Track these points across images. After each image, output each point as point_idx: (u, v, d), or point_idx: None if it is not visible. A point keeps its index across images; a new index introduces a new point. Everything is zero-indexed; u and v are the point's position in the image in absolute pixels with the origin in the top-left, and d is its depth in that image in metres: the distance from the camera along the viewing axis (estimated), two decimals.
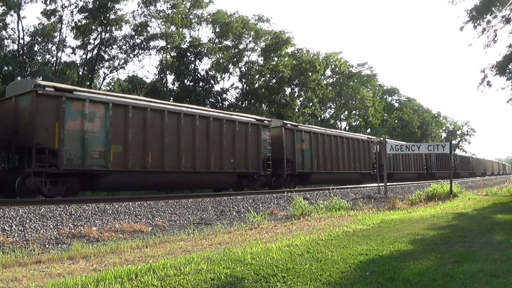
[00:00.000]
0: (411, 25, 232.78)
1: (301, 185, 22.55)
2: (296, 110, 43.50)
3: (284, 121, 22.20)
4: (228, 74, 40.95)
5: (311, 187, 22.44)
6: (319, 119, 50.14)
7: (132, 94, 31.13)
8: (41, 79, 25.90)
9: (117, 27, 33.14)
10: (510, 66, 20.07)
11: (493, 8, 19.21)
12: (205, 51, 37.76)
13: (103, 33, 32.97)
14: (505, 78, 20.56)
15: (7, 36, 28.72)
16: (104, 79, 37.31)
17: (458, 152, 60.49)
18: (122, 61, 34.71)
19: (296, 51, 43.23)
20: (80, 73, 33.60)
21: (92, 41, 33.18)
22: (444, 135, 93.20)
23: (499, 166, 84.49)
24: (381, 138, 27.88)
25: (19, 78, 24.13)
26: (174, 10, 35.91)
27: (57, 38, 31.31)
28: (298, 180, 22.08)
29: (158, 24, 35.96)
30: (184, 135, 15.79)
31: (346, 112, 56.15)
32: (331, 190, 17.91)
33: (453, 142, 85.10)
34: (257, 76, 42.00)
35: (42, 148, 12.11)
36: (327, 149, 23.93)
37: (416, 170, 35.31)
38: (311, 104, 46.01)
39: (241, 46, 40.62)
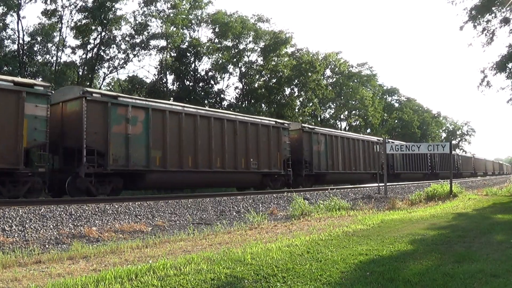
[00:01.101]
0: (411, 25, 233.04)
1: (317, 185, 23.54)
2: (296, 110, 43.50)
3: (303, 124, 23.65)
4: (228, 74, 41.00)
5: (312, 188, 22.61)
6: (319, 119, 50.15)
7: (132, 94, 31.15)
8: (40, 79, 25.92)
9: (117, 26, 33.16)
10: (509, 65, 20.07)
11: (493, 8, 19.22)
12: (204, 51, 37.78)
13: (103, 33, 33.00)
14: (504, 77, 20.57)
15: (7, 36, 28.75)
16: (104, 79, 37.38)
17: (460, 152, 60.43)
18: (122, 61, 34.77)
19: (295, 51, 43.28)
20: (80, 73, 33.61)
21: (92, 41, 33.22)
22: (444, 135, 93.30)
23: (500, 166, 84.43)
24: (389, 140, 28.61)
25: (19, 78, 24.20)
26: (174, 10, 35.93)
27: (57, 38, 31.36)
28: (314, 180, 23.26)
29: (158, 24, 36.03)
30: (214, 138, 16.97)
31: (346, 112, 56.19)
32: (330, 190, 17.91)
33: (453, 142, 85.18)
34: (257, 76, 42.02)
35: (91, 150, 13.19)
36: (341, 151, 25.21)
37: (421, 170, 36.47)
38: (311, 104, 46.02)
39: (241, 46, 40.64)
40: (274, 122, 20.46)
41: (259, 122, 19.48)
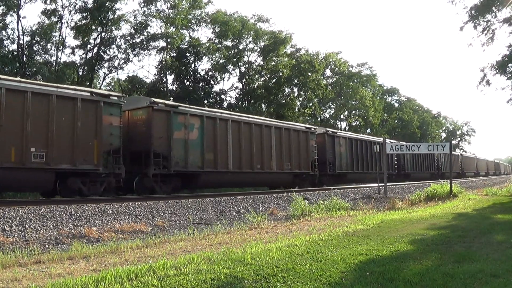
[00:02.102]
0: (411, 25, 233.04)
1: (340, 184, 24.54)
2: (296, 110, 43.53)
3: (327, 129, 25.89)
4: (228, 74, 41.01)
5: (314, 188, 22.77)
6: (319, 119, 50.16)
7: (132, 94, 31.14)
8: (40, 79, 25.92)
9: (117, 26, 33.17)
10: (510, 66, 20.07)
11: (493, 8, 19.21)
12: (204, 51, 37.79)
13: (102, 33, 33.00)
14: (505, 78, 20.56)
15: (6, 36, 28.73)
16: (104, 79, 37.38)
17: (462, 153, 60.32)
18: (122, 61, 34.77)
19: (295, 51, 43.28)
20: (80, 73, 33.62)
21: (91, 41, 33.22)
22: (444, 135, 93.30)
23: (500, 167, 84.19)
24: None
25: (19, 78, 24.19)
26: (174, 10, 35.94)
27: (57, 38, 31.35)
28: (336, 179, 25.04)
29: (158, 24, 36.07)
30: (255, 142, 18.86)
31: (346, 112, 56.20)
32: (331, 190, 17.95)
33: (453, 142, 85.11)
34: (256, 76, 42.02)
35: (158, 153, 14.87)
36: (359, 153, 27.59)
37: (429, 170, 38.82)
38: (310, 104, 46.02)
39: (240, 46, 40.64)
40: (304, 127, 22.82)
41: (291, 127, 21.63)
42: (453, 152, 19.96)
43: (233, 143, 17.69)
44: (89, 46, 33.19)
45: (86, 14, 31.51)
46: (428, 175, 37.87)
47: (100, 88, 34.05)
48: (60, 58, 32.11)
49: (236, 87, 41.56)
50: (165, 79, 37.19)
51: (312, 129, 23.34)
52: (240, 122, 18.40)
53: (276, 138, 20.12)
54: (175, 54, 36.85)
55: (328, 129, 26.09)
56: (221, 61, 39.80)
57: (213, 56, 39.44)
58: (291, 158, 20.85)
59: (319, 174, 23.14)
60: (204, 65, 46.28)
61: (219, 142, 17.08)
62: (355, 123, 56.36)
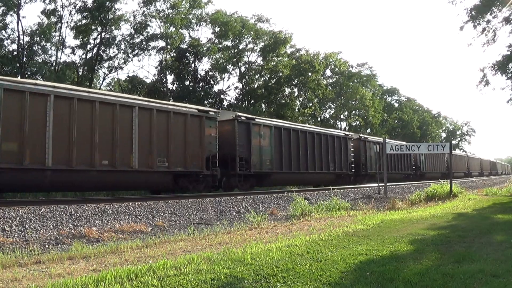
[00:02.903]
0: (411, 25, 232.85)
1: (372, 182, 26.90)
2: (296, 110, 43.53)
3: (360, 135, 29.01)
4: (228, 74, 41.00)
5: (314, 188, 22.95)
6: (319, 119, 50.17)
7: (132, 94, 31.13)
8: (40, 79, 25.93)
9: (117, 26, 33.16)
10: (510, 66, 20.07)
11: (493, 8, 19.22)
12: (204, 51, 37.79)
13: (102, 33, 33.00)
14: (505, 77, 20.57)
15: (6, 36, 28.73)
16: (104, 79, 37.37)
17: (470, 154, 60.19)
18: (122, 61, 34.76)
19: (295, 51, 43.28)
20: (80, 73, 33.61)
21: (91, 41, 33.22)
22: (444, 135, 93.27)
23: (497, 166, 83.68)
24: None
25: (19, 78, 24.21)
26: (174, 10, 35.93)
27: (57, 38, 31.35)
28: (368, 178, 28.27)
29: (158, 24, 36.04)
30: (304, 147, 22.21)
31: (346, 112, 56.20)
32: (331, 190, 17.96)
33: (453, 142, 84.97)
34: (256, 76, 42.03)
35: (241, 158, 18.20)
36: (393, 157, 31.17)
37: (440, 170, 42.17)
38: (310, 104, 46.03)
39: (240, 46, 40.64)
40: (343, 134, 26.52)
41: (329, 133, 25.00)
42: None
43: (292, 148, 21.23)
44: (89, 46, 33.18)
45: (86, 14, 31.50)
46: (439, 175, 40.66)
47: (100, 88, 34.08)
48: (60, 58, 32.13)
49: (236, 87, 41.59)
50: (165, 79, 37.20)
51: (349, 135, 26.84)
52: (297, 130, 22.27)
53: (319, 144, 23.83)
54: (175, 54, 36.85)
55: (360, 135, 29.15)
56: (221, 61, 39.80)
57: (213, 56, 39.45)
58: (335, 160, 24.70)
59: (355, 173, 27.05)
60: (204, 65, 46.24)
61: (284, 148, 20.67)
62: (355, 123, 56.36)
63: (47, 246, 7.37)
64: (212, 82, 38.74)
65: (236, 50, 40.28)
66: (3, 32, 28.24)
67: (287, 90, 43.15)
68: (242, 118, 18.76)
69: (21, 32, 29.16)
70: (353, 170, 26.24)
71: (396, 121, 70.11)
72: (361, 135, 29.44)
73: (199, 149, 16.28)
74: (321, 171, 23.36)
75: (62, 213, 9.39)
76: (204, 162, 16.40)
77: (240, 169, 18.10)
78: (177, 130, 15.54)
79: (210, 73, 39.21)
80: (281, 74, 40.81)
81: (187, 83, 37.60)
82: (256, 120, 19.61)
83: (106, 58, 33.98)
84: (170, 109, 15.47)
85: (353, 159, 26.43)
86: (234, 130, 18.23)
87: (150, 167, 14.58)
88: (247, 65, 41.38)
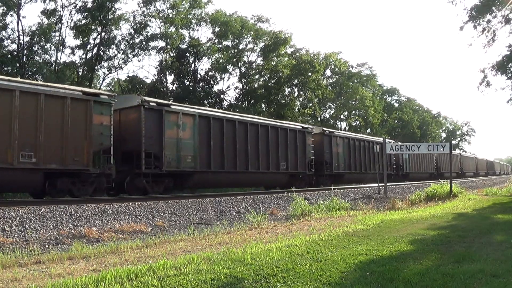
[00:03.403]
0: (411, 25, 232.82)
1: (339, 183, 25.64)
2: (296, 110, 43.53)
3: (323, 128, 27.14)
4: (228, 74, 41.00)
5: (314, 188, 22.84)
6: (319, 119, 50.17)
7: (132, 94, 31.11)
8: (40, 79, 25.94)
9: (116, 26, 33.16)
10: (510, 66, 20.08)
11: (493, 8, 19.22)
12: (204, 51, 37.78)
13: (102, 33, 33.00)
14: (505, 77, 20.57)
15: (6, 36, 28.73)
16: (104, 79, 37.36)
17: (464, 153, 60.02)
18: (122, 61, 34.76)
19: (295, 51, 43.28)
20: (80, 73, 33.62)
21: (91, 41, 33.22)
22: (444, 135, 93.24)
23: (495, 166, 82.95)
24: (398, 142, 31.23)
25: (19, 78, 24.33)
26: (174, 10, 35.93)
27: (57, 38, 31.36)
28: (334, 179, 26.91)
29: (158, 24, 36.04)
30: (244, 141, 19.71)
31: (346, 112, 56.20)
32: (331, 190, 17.97)
33: (453, 142, 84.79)
34: (256, 76, 42.03)
35: (149, 153, 15.44)
36: (417, 157, 34.47)
37: (428, 170, 41.85)
38: (310, 104, 46.03)
39: (240, 46, 40.64)
40: (300, 127, 24.12)
41: (285, 127, 22.29)
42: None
43: (226, 142, 18.07)
44: (89, 46, 33.19)
45: (86, 14, 31.51)
46: (454, 175, 43.09)
47: (99, 89, 34.05)
48: (60, 58, 32.14)
49: (236, 87, 41.60)
50: (165, 79, 37.21)
51: (380, 141, 25.94)
52: (354, 139, 25.68)
53: (365, 149, 26.97)
54: (174, 54, 36.84)
55: (391, 140, 28.76)
56: (221, 61, 39.80)
57: (213, 56, 39.45)
58: (374, 162, 26.45)
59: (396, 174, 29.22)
60: (204, 65, 46.27)
61: (212, 141, 17.34)
62: (355, 123, 56.36)
63: (47, 246, 7.37)
64: (212, 82, 38.76)
65: (236, 50, 40.28)
66: (3, 32, 28.26)
67: (287, 90, 43.19)
68: (152, 104, 15.23)
69: (21, 32, 29.18)
70: (313, 170, 22.44)
71: (396, 121, 70.11)
72: (325, 128, 25.97)
73: (84, 141, 12.93)
74: (268, 171, 19.60)
75: (62, 213, 9.39)
76: (91, 158, 13.13)
77: (146, 167, 14.61)
78: (51, 117, 12.36)
79: (210, 73, 39.23)
80: (281, 74, 40.81)
81: (187, 83, 37.60)
82: (172, 107, 16.01)
83: (106, 58, 33.99)
84: (40, 91, 12.29)
85: (313, 157, 22.55)
86: (139, 119, 14.72)
87: (8, 162, 11.44)
88: (247, 65, 41.40)
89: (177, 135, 15.68)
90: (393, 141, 33.70)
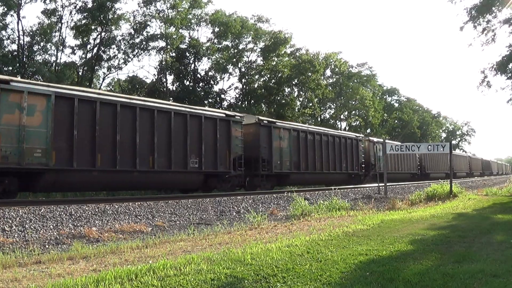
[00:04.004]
0: (411, 25, 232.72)
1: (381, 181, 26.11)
2: (296, 110, 43.52)
3: (369, 137, 30.47)
4: (228, 74, 41.01)
5: (314, 188, 22.95)
6: (319, 119, 50.18)
7: (132, 94, 31.14)
8: (40, 79, 25.93)
9: (117, 26, 33.18)
10: (510, 66, 20.09)
11: (493, 8, 19.23)
12: (204, 51, 37.78)
13: (102, 33, 33.01)
14: (505, 77, 20.59)
15: (6, 36, 28.75)
16: (104, 79, 37.37)
17: (456, 152, 60.29)
18: (122, 61, 34.77)
19: (295, 51, 43.28)
20: (80, 73, 33.62)
21: (91, 41, 33.24)
22: (444, 135, 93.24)
23: (492, 166, 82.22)
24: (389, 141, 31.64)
25: (19, 78, 24.35)
26: (174, 10, 35.94)
27: (57, 38, 31.37)
28: (377, 178, 28.80)
29: (158, 25, 36.06)
30: (319, 148, 23.47)
31: (346, 112, 56.21)
32: (332, 190, 18.00)
33: (453, 142, 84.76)
34: (256, 76, 42.03)
35: (264, 159, 19.36)
36: (398, 157, 32.46)
37: (465, 170, 46.89)
38: (310, 104, 46.03)
39: (240, 46, 40.64)
40: (354, 136, 27.44)
41: (344, 136, 26.39)
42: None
43: (309, 150, 22.27)
44: (89, 46, 33.21)
45: (86, 14, 31.52)
46: (464, 174, 46.30)
47: (99, 88, 34.07)
48: (60, 58, 32.16)
49: (236, 87, 41.60)
50: (165, 79, 37.21)
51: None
52: (313, 133, 23.16)
53: (335, 145, 25.19)
54: (174, 54, 36.84)
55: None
56: (221, 61, 39.80)
57: (213, 56, 39.45)
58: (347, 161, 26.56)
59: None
60: (204, 65, 46.31)
61: (300, 149, 21.81)
62: (355, 123, 56.37)
63: (47, 246, 7.37)
64: (212, 82, 38.77)
65: (236, 50, 40.29)
66: (3, 32, 28.27)
67: (287, 90, 43.18)
68: (264, 121, 19.92)
69: (21, 32, 29.20)
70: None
71: (396, 121, 70.13)
72: (370, 137, 30.47)
73: (227, 151, 17.38)
74: (335, 171, 24.19)
75: (62, 213, 9.39)
76: (231, 163, 17.37)
77: (262, 169, 19.16)
78: (208, 133, 16.65)
79: (210, 73, 39.23)
80: (281, 74, 40.81)
81: (187, 83, 37.60)
82: (276, 123, 20.78)
83: (106, 58, 34.01)
84: (202, 114, 16.71)
85: (363, 160, 26.94)
86: (258, 133, 19.34)
87: (184, 167, 15.78)
88: (247, 65, 41.40)
89: (280, 145, 20.22)
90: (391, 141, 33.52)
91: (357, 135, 28.24)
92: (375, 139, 30.78)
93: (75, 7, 31.31)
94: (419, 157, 36.88)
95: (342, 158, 25.16)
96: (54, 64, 31.28)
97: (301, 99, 45.91)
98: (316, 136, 23.24)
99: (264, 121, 20.25)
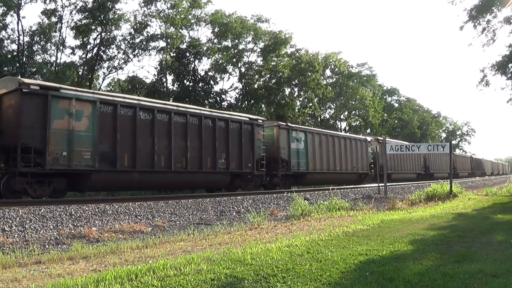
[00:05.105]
0: (411, 25, 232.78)
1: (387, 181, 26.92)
2: (296, 110, 43.52)
3: (378, 137, 31.12)
4: (228, 74, 41.00)
5: (314, 188, 23.03)
6: (319, 119, 50.18)
7: (132, 94, 31.14)
8: (40, 79, 25.94)
9: (117, 26, 33.18)
10: (510, 66, 20.09)
11: (493, 8, 19.23)
12: (204, 51, 37.79)
13: (102, 33, 33.01)
14: (505, 77, 20.59)
15: (6, 36, 28.74)
16: (104, 79, 37.38)
17: (463, 154, 60.73)
18: (122, 61, 34.77)
19: (295, 51, 43.29)
20: (80, 73, 33.62)
21: (91, 41, 33.24)
22: (444, 135, 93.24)
23: (485, 165, 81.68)
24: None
25: (19, 77, 24.33)
26: (174, 10, 35.94)
27: (57, 38, 31.37)
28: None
29: (158, 24, 36.06)
30: (332, 150, 24.89)
31: (346, 112, 56.23)
32: (331, 190, 17.99)
33: (453, 142, 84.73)
34: (256, 77, 42.02)
35: (283, 160, 21.04)
36: (404, 157, 33.93)
37: (468, 170, 48.89)
38: (310, 104, 46.03)
39: (240, 47, 40.64)
40: (363, 138, 29.02)
41: (355, 138, 28.21)
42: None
43: (323, 151, 24.17)
44: (89, 46, 33.21)
45: (86, 14, 31.52)
46: (466, 174, 48.47)
47: (99, 89, 34.07)
48: (60, 58, 32.16)
49: (236, 87, 41.59)
50: (165, 79, 37.20)
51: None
52: (326, 135, 24.82)
53: (346, 146, 26.45)
54: (174, 54, 36.84)
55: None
56: (220, 62, 39.79)
57: (213, 56, 39.45)
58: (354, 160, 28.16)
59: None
60: (204, 65, 46.29)
61: (315, 150, 23.57)
62: (355, 123, 56.37)
63: (47, 246, 7.37)
64: (212, 83, 38.77)
65: (236, 50, 40.28)
66: (3, 32, 28.27)
67: (287, 90, 43.17)
68: (282, 125, 21.45)
69: (21, 32, 29.19)
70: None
71: (396, 121, 70.13)
72: (379, 137, 31.31)
73: (251, 152, 18.33)
74: (346, 171, 25.56)
75: (62, 213, 9.39)
76: (255, 164, 18.37)
77: (282, 169, 20.49)
78: (233, 135, 17.66)
79: (210, 73, 39.23)
80: (281, 74, 40.81)
81: (187, 83, 37.60)
82: (294, 126, 22.50)
83: (106, 58, 34.00)
84: (228, 118, 17.75)
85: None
86: (277, 135, 20.74)
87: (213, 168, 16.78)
88: (247, 65, 41.39)
89: (297, 147, 21.80)
90: (396, 140, 33.65)
91: (367, 137, 29.63)
92: (295, 126, 27.74)
93: (75, 7, 31.32)
94: (424, 157, 38.31)
95: (353, 159, 26.51)
96: (54, 64, 31.28)
97: (301, 99, 45.91)
98: (329, 138, 24.70)
99: (283, 125, 22.20)
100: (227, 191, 17.99)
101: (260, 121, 19.98)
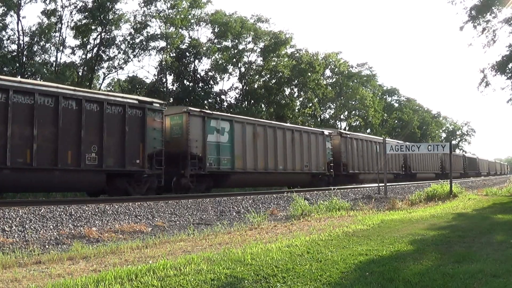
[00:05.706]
0: (411, 25, 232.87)
1: (353, 183, 26.70)
2: (296, 110, 43.52)
3: (341, 131, 29.12)
4: (228, 74, 40.98)
5: (314, 188, 22.89)
6: (319, 119, 50.17)
7: (132, 94, 31.12)
8: (40, 79, 25.95)
9: (117, 26, 33.18)
10: (510, 66, 20.09)
11: (493, 8, 19.23)
12: (204, 51, 37.78)
13: (102, 33, 33.01)
14: (505, 77, 20.60)
15: (6, 37, 28.74)
16: (103, 79, 37.37)
17: (488, 158, 62.25)
18: (122, 61, 34.77)
19: (295, 52, 43.29)
20: (80, 73, 33.62)
21: (91, 41, 33.24)
22: (444, 135, 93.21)
23: (480, 164, 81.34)
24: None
25: (19, 78, 24.31)
26: (174, 10, 35.94)
27: (57, 38, 31.37)
28: (350, 179, 28.62)
29: (158, 24, 36.06)
30: (273, 145, 21.79)
31: (346, 112, 56.23)
32: (331, 190, 18.00)
33: (453, 142, 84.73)
34: (256, 77, 42.01)
35: (194, 156, 16.50)
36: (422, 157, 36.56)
37: (459, 170, 47.50)
38: (310, 104, 46.03)
39: (240, 47, 40.63)
40: (320, 131, 26.31)
41: (308, 130, 25.45)
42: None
43: (259, 145, 20.90)
44: (89, 46, 33.21)
45: (86, 14, 31.52)
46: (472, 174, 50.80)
47: (99, 89, 34.07)
48: (60, 59, 32.16)
49: (236, 87, 41.58)
50: (165, 79, 37.20)
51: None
52: (264, 126, 20.74)
53: (294, 140, 23.08)
54: (174, 54, 36.84)
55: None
56: (220, 62, 39.79)
57: (213, 56, 39.45)
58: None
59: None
60: (204, 66, 46.23)
61: (247, 145, 19.77)
62: (355, 123, 56.37)
63: (47, 246, 7.37)
64: (212, 83, 38.76)
65: (236, 51, 40.27)
66: (3, 32, 28.26)
67: (287, 91, 43.16)
68: (195, 111, 16.71)
69: (21, 32, 29.19)
70: (331, 170, 23.85)
71: (396, 121, 70.11)
72: (342, 131, 28.19)
73: (141, 145, 14.03)
74: (293, 171, 21.15)
75: (62, 213, 9.39)
76: (146, 160, 14.02)
77: (192, 168, 15.84)
78: (113, 122, 13.42)
79: (210, 73, 39.22)
80: (281, 74, 40.80)
81: (187, 83, 37.60)
82: (212, 114, 17.77)
83: (106, 58, 34.00)
84: (103, 99, 13.28)
85: (332, 158, 24.19)
86: (186, 124, 16.03)
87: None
88: (247, 66, 41.39)
89: (217, 140, 18.47)
90: (397, 141, 32.99)
91: (324, 130, 25.07)
92: (349, 134, 27.84)
93: (75, 7, 31.32)
94: (404, 155, 34.75)
95: (304, 156, 21.91)
96: (54, 64, 31.27)
97: (301, 99, 45.90)
98: (269, 130, 19.98)
99: (195, 111, 17.19)
100: (109, 196, 14.01)
101: (157, 104, 15.27)
